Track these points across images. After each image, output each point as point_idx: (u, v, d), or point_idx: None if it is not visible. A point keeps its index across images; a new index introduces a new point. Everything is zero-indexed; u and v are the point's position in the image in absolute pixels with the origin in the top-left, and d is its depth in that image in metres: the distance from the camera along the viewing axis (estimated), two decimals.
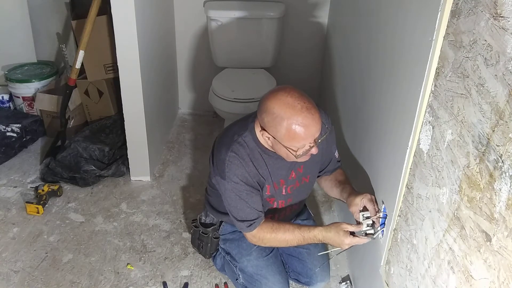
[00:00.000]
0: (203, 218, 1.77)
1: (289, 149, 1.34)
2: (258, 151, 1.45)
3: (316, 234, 1.43)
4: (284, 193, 1.56)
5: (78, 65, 2.44)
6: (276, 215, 1.60)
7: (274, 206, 1.57)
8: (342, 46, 2.32)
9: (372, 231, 1.41)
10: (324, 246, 1.70)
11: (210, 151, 1.56)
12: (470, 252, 0.83)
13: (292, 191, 1.57)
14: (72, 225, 2.16)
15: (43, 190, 2.27)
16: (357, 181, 1.77)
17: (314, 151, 1.36)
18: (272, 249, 1.66)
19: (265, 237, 1.47)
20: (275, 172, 1.50)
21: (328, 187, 1.65)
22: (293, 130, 1.29)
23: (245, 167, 1.43)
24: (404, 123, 1.22)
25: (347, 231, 1.39)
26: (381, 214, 1.39)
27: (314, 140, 1.34)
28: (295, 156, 1.35)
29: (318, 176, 1.68)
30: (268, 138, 1.38)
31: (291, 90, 1.32)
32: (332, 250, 1.55)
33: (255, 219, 1.45)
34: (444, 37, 0.99)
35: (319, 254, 1.66)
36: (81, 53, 2.41)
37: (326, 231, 1.42)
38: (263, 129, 1.37)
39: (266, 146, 1.45)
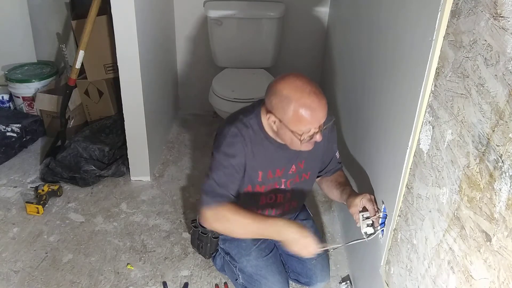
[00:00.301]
0: None
1: (294, 133, 1.34)
2: (261, 136, 1.45)
3: (278, 222, 1.37)
4: (283, 187, 1.55)
5: (78, 65, 2.44)
6: (274, 210, 1.60)
7: (262, 190, 1.54)
8: (342, 46, 2.32)
9: (372, 231, 1.41)
10: (322, 241, 1.69)
11: (214, 139, 1.55)
12: (470, 252, 0.83)
13: (291, 186, 1.57)
14: (72, 225, 2.16)
15: (43, 190, 2.27)
16: (357, 181, 1.77)
17: (318, 138, 1.37)
18: (271, 249, 1.66)
19: (224, 216, 1.38)
20: (273, 160, 1.49)
21: (328, 188, 1.65)
22: (300, 112, 1.30)
23: (244, 146, 1.42)
24: (404, 123, 1.22)
25: (309, 237, 1.35)
26: (380, 214, 1.39)
27: (319, 126, 1.35)
28: (299, 140, 1.35)
29: (318, 177, 1.68)
30: (274, 122, 1.38)
31: (300, 75, 1.34)
32: (331, 246, 1.54)
33: (223, 197, 1.40)
34: (444, 37, 0.99)
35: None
36: (81, 53, 2.41)
37: (290, 224, 1.36)
38: (269, 112, 1.37)
39: (270, 133, 1.45)
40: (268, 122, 1.41)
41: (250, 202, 1.54)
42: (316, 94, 1.31)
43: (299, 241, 1.35)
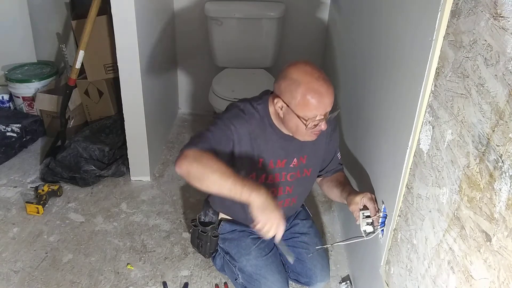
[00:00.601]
0: (202, 217, 1.77)
1: (300, 118, 1.35)
2: (265, 122, 1.46)
3: (257, 184, 1.28)
4: (284, 180, 1.55)
5: (78, 65, 2.44)
6: None
7: (263, 181, 1.52)
8: (342, 47, 2.32)
9: (371, 230, 1.41)
10: (322, 241, 1.70)
11: None
12: (470, 252, 0.83)
13: (292, 180, 1.57)
14: (72, 225, 2.16)
15: (43, 190, 2.27)
16: (357, 181, 1.77)
17: (323, 126, 1.38)
18: (271, 249, 1.66)
19: (207, 158, 1.29)
20: (275, 149, 1.49)
21: (329, 188, 1.65)
22: (308, 97, 1.32)
23: (247, 125, 1.43)
24: (404, 123, 1.22)
25: (279, 214, 1.27)
26: (381, 214, 1.40)
27: (325, 114, 1.36)
28: (305, 126, 1.36)
29: (319, 177, 1.68)
30: (281, 107, 1.39)
31: (311, 62, 1.38)
32: (329, 245, 1.55)
33: (212, 149, 1.35)
34: (444, 37, 0.99)
35: (316, 248, 1.65)
36: (81, 53, 2.41)
37: (268, 192, 1.28)
38: (277, 96, 1.38)
39: (276, 121, 1.45)
40: (275, 108, 1.42)
41: None
42: (324, 80, 1.33)
43: (267, 211, 1.25)
